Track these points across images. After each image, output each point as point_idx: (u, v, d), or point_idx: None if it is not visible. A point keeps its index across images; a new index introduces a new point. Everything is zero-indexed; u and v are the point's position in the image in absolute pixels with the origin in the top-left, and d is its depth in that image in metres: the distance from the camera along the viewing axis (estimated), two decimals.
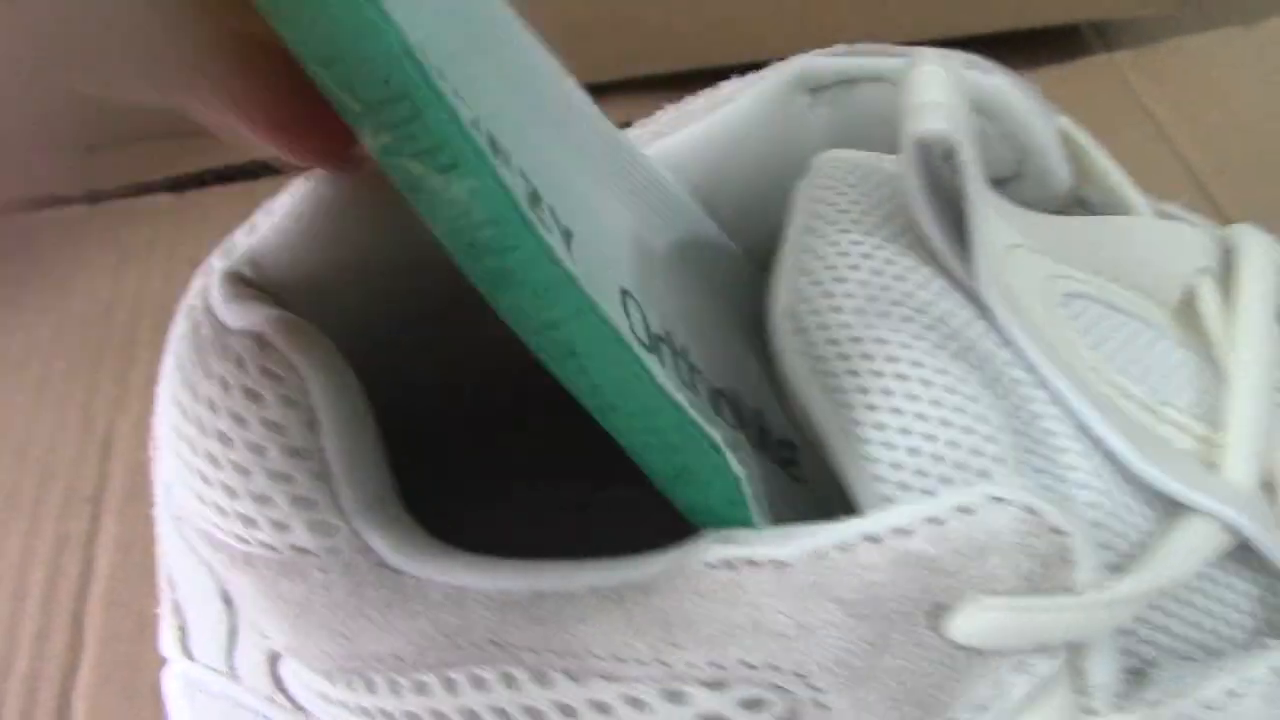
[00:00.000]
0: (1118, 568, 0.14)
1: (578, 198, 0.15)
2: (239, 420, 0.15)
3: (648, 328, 0.14)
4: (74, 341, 0.31)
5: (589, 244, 0.14)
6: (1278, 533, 0.15)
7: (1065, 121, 0.19)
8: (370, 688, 0.15)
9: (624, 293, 0.14)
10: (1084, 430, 0.14)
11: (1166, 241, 0.18)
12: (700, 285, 0.18)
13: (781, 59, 0.19)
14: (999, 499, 0.13)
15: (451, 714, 0.14)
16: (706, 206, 0.19)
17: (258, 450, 0.15)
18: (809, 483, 0.16)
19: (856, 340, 0.14)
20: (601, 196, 0.17)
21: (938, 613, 0.13)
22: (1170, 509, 0.14)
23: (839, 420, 0.13)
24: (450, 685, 0.14)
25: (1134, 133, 0.36)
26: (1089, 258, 0.17)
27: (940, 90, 0.14)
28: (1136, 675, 0.14)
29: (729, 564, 0.13)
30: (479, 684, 0.14)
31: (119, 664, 0.25)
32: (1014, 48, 0.40)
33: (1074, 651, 0.13)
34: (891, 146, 0.15)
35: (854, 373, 0.14)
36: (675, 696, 0.13)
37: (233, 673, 0.18)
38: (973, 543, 0.13)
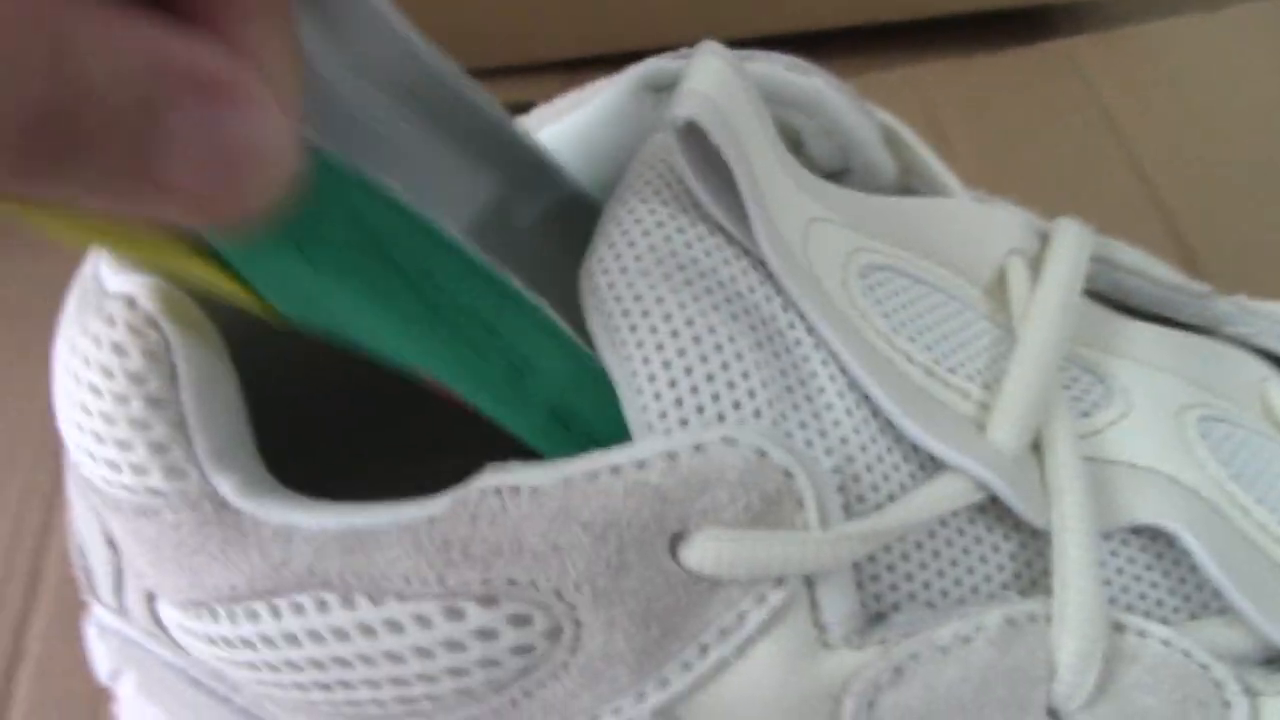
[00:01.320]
0: (862, 511, 0.15)
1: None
2: (107, 373, 0.17)
3: None
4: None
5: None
6: (1037, 492, 0.16)
7: (887, 118, 0.20)
8: (214, 617, 0.17)
9: None
10: (854, 387, 0.16)
11: (982, 224, 0.19)
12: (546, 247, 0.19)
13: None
14: (730, 439, 0.14)
15: (275, 637, 0.16)
16: None
17: (121, 400, 0.16)
18: None
19: (638, 298, 0.15)
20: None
21: (674, 542, 0.14)
22: (929, 464, 0.16)
23: (619, 365, 0.15)
24: (275, 611, 0.16)
25: (1081, 119, 0.37)
26: (905, 236, 0.18)
27: (706, 79, 0.15)
28: (877, 615, 0.15)
29: (497, 491, 0.14)
30: (298, 610, 0.16)
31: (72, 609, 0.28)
32: (982, 28, 0.41)
33: (808, 585, 0.15)
34: None
35: (633, 327, 0.15)
36: (454, 613, 0.15)
37: (124, 611, 0.20)
38: (701, 476, 0.14)
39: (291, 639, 0.16)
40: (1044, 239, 0.20)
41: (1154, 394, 0.18)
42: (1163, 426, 0.18)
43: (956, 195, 0.20)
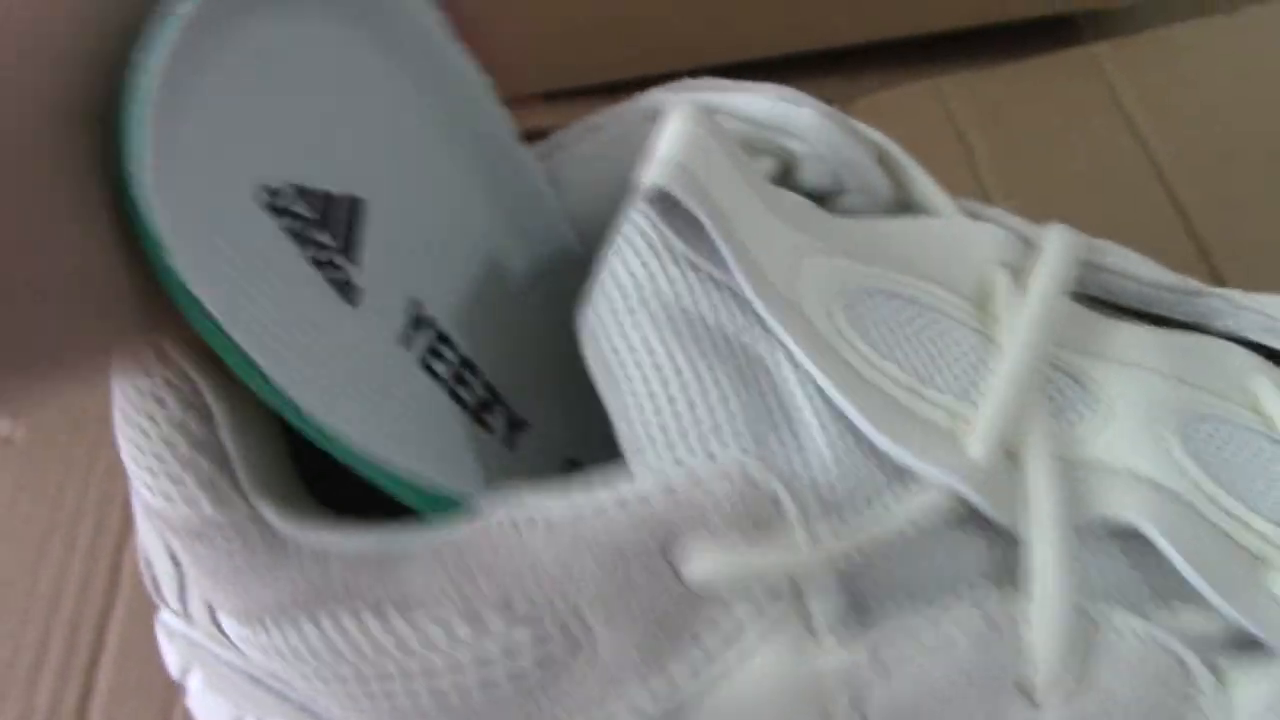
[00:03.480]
0: (842, 521, 0.16)
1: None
2: (152, 419, 0.18)
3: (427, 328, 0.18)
4: None
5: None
6: (1012, 497, 0.17)
7: (879, 138, 0.21)
8: (264, 628, 0.19)
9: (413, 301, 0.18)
10: (832, 409, 0.17)
11: (969, 239, 0.20)
12: (530, 299, 0.21)
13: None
14: (719, 466, 0.16)
15: (318, 646, 0.18)
16: (575, 228, 0.22)
17: (169, 443, 0.18)
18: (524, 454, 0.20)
19: (626, 337, 0.17)
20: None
21: (675, 562, 0.16)
22: (906, 476, 0.17)
23: (613, 396, 0.17)
24: (316, 623, 0.18)
25: (1101, 121, 0.38)
26: (895, 257, 0.20)
27: (673, 145, 0.17)
28: (861, 615, 0.17)
29: (514, 523, 0.16)
30: (336, 621, 0.18)
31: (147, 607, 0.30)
32: (1010, 38, 0.42)
33: (797, 591, 0.16)
34: None
35: (623, 364, 0.17)
36: (479, 623, 0.16)
37: (188, 617, 0.21)
38: (697, 504, 0.16)
39: (335, 650, 0.18)
40: (1029, 245, 0.21)
41: (1136, 397, 0.19)
42: (1142, 429, 0.19)
43: (946, 211, 0.21)
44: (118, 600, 0.31)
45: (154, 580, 0.22)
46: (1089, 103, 0.38)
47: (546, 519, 0.16)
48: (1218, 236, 0.34)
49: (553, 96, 0.42)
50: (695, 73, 0.23)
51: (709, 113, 0.18)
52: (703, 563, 0.16)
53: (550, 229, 0.22)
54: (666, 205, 0.17)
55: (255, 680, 0.22)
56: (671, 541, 0.16)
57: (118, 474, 0.32)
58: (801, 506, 0.16)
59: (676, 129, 0.17)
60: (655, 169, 0.17)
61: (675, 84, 0.21)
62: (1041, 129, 0.37)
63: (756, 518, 0.16)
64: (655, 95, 0.21)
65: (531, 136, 0.21)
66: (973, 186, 0.36)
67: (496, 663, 0.17)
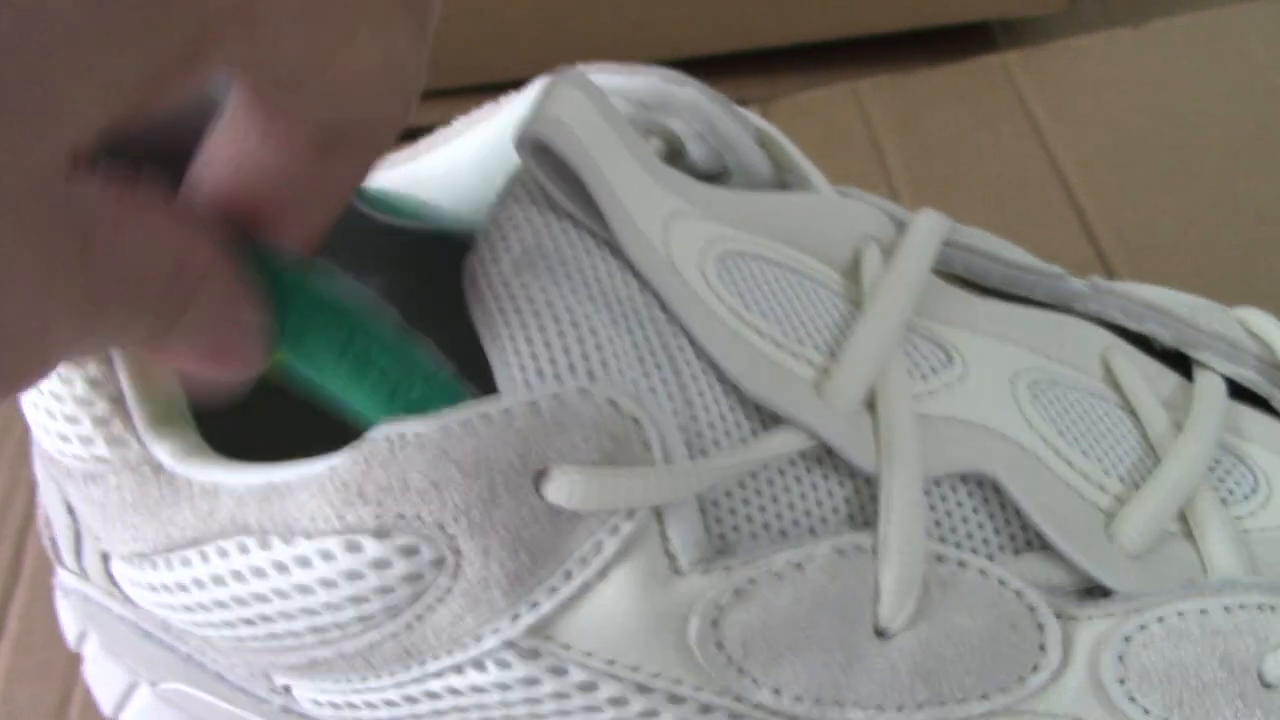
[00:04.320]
0: (704, 456, 0.17)
1: None
2: None
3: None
4: None
5: None
6: (869, 443, 0.18)
7: (760, 121, 0.22)
8: (154, 566, 0.19)
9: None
10: (703, 357, 0.18)
11: (843, 215, 0.22)
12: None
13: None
14: (585, 391, 0.16)
15: (205, 580, 0.19)
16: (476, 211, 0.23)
17: (67, 381, 0.19)
18: None
19: (507, 286, 0.18)
20: None
21: (537, 479, 0.17)
22: (770, 421, 0.18)
23: (494, 347, 0.17)
24: (204, 556, 0.18)
25: (1010, 127, 0.39)
26: (769, 226, 0.21)
27: (556, 105, 0.18)
28: (723, 546, 0.18)
29: (388, 438, 0.17)
30: (222, 554, 0.18)
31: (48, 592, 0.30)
32: (923, 45, 0.44)
33: (658, 517, 0.17)
34: None
35: (502, 311, 0.17)
36: (353, 546, 0.17)
37: (83, 572, 0.22)
38: (558, 422, 0.16)
39: (219, 579, 0.19)
40: (902, 227, 0.22)
41: (991, 360, 0.21)
42: (995, 388, 0.20)
43: (823, 191, 0.22)
44: (19, 586, 0.31)
45: (52, 541, 0.23)
46: (999, 109, 0.40)
47: (417, 435, 0.16)
48: (1114, 239, 0.35)
49: (468, 91, 0.42)
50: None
51: (588, 80, 0.19)
52: (563, 482, 0.17)
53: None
54: (546, 158, 0.18)
55: (146, 635, 0.22)
56: (536, 460, 0.16)
57: (24, 460, 0.33)
58: (663, 435, 0.17)
59: (556, 89, 0.18)
60: (534, 123, 0.18)
61: (560, 70, 0.22)
62: (952, 134, 0.39)
63: (619, 443, 0.17)
64: (542, 81, 0.22)
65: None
66: (883, 189, 0.38)
67: (366, 576, 0.17)
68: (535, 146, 0.18)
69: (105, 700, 0.25)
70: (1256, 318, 0.23)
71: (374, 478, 0.17)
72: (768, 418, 0.18)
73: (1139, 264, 0.34)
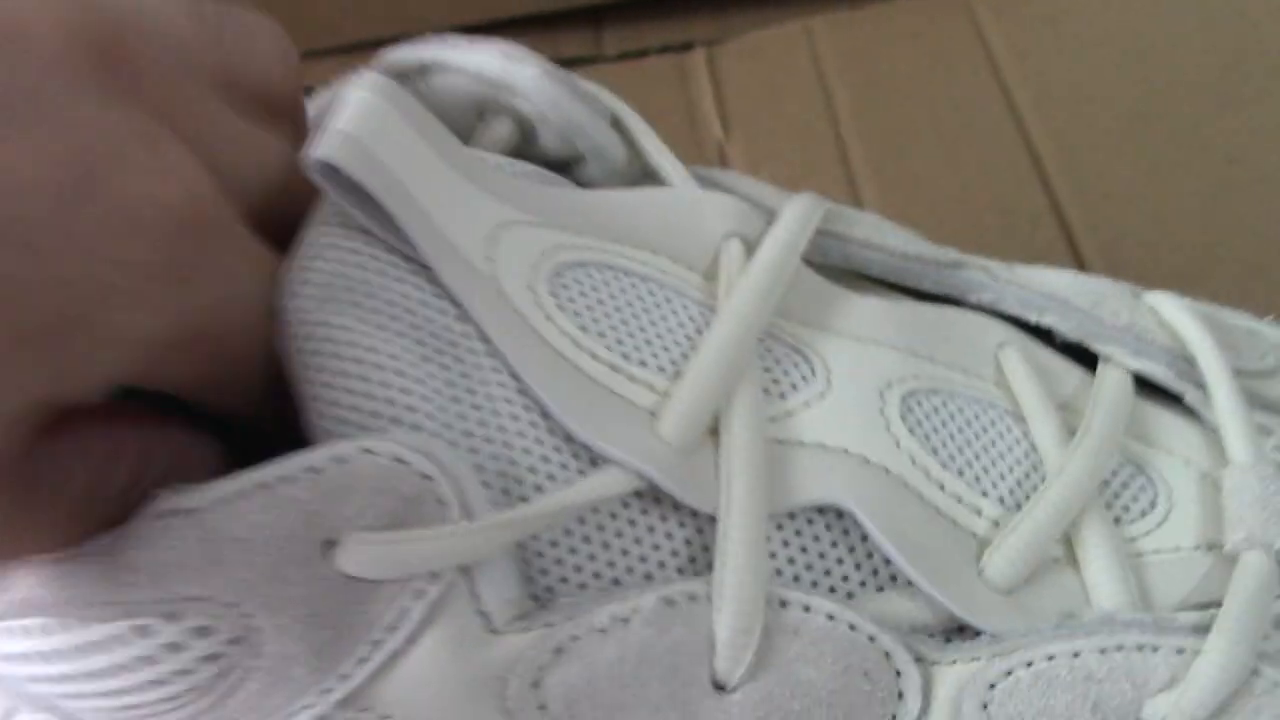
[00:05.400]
0: (517, 503, 0.16)
1: None
2: None
3: None
4: None
5: None
6: (706, 478, 0.17)
7: (615, 103, 0.21)
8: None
9: None
10: (524, 390, 0.17)
11: (702, 210, 0.20)
12: None
13: None
14: (369, 450, 0.15)
15: (15, 656, 0.17)
16: None
17: None
18: None
19: (309, 320, 0.16)
20: None
21: (326, 548, 0.15)
22: (597, 459, 0.17)
23: (297, 385, 0.16)
24: (10, 632, 0.17)
25: (965, 65, 0.37)
26: (617, 229, 0.19)
27: (347, 116, 0.16)
28: (544, 599, 0.16)
29: (161, 515, 0.15)
30: (26, 632, 0.17)
31: None
32: None
33: (465, 576, 0.16)
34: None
35: (310, 349, 0.16)
36: (143, 630, 0.16)
37: None
38: (341, 487, 0.15)
39: (26, 658, 0.17)
40: (774, 218, 0.20)
41: (859, 370, 0.19)
42: (861, 405, 0.18)
43: (678, 178, 0.20)
44: None
45: None
46: (955, 46, 0.37)
47: (188, 508, 0.15)
48: (1070, 187, 0.33)
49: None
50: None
51: (394, 82, 0.17)
52: (353, 549, 0.15)
53: None
54: (338, 180, 0.16)
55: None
56: (322, 529, 0.15)
57: None
58: (461, 489, 0.15)
59: (352, 98, 0.17)
60: (323, 142, 0.16)
61: (406, 43, 0.21)
62: (905, 73, 0.37)
63: (409, 503, 0.15)
64: (392, 53, 0.21)
65: None
66: (830, 136, 0.35)
67: (162, 661, 0.16)
68: (325, 169, 0.16)
69: None
70: (1168, 305, 0.21)
71: (152, 558, 0.15)
72: (593, 455, 0.17)
73: (1096, 212, 0.32)
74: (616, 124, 0.21)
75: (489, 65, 0.20)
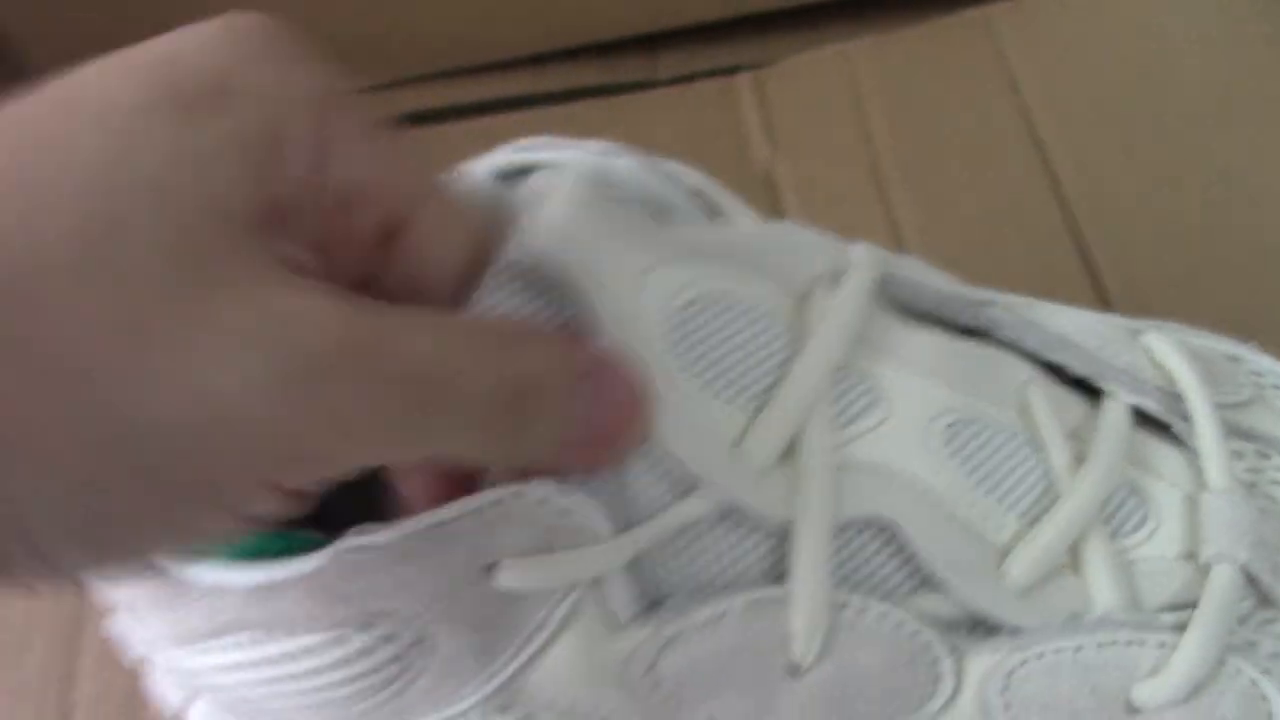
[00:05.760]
0: (632, 529, 0.20)
1: None
2: None
3: None
4: None
5: None
6: (782, 495, 0.21)
7: (696, 177, 0.24)
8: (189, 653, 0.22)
9: None
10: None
11: (798, 242, 0.23)
12: None
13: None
14: (518, 494, 0.19)
15: (227, 666, 0.21)
16: None
17: None
18: None
19: None
20: None
21: (487, 570, 0.20)
22: (689, 486, 0.21)
23: None
24: (223, 648, 0.21)
25: (988, 85, 0.40)
26: (733, 254, 0.22)
27: (544, 223, 0.20)
28: (655, 601, 0.21)
29: (355, 550, 0.19)
30: (238, 647, 0.21)
31: None
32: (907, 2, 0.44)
33: (596, 585, 0.20)
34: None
35: None
36: (340, 639, 0.20)
37: None
38: (497, 523, 0.19)
39: (238, 666, 0.22)
40: (843, 259, 0.24)
41: (916, 401, 0.22)
42: (913, 431, 0.22)
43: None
44: None
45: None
46: (979, 67, 0.40)
47: (378, 544, 0.19)
48: (1085, 204, 0.36)
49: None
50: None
51: (589, 182, 0.21)
52: (511, 572, 0.19)
53: None
54: (533, 279, 0.20)
55: None
56: (484, 555, 0.19)
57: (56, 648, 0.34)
58: (591, 521, 0.20)
59: (548, 211, 0.21)
60: (522, 248, 0.20)
61: (510, 146, 0.24)
62: (934, 96, 0.40)
63: (553, 532, 0.19)
64: (498, 154, 0.24)
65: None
66: (865, 156, 0.39)
67: (356, 662, 0.20)
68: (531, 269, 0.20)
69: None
70: (1159, 345, 0.24)
71: (348, 583, 0.20)
72: (687, 484, 0.21)
73: (1110, 228, 0.36)
74: (697, 195, 0.24)
75: (586, 161, 0.23)
